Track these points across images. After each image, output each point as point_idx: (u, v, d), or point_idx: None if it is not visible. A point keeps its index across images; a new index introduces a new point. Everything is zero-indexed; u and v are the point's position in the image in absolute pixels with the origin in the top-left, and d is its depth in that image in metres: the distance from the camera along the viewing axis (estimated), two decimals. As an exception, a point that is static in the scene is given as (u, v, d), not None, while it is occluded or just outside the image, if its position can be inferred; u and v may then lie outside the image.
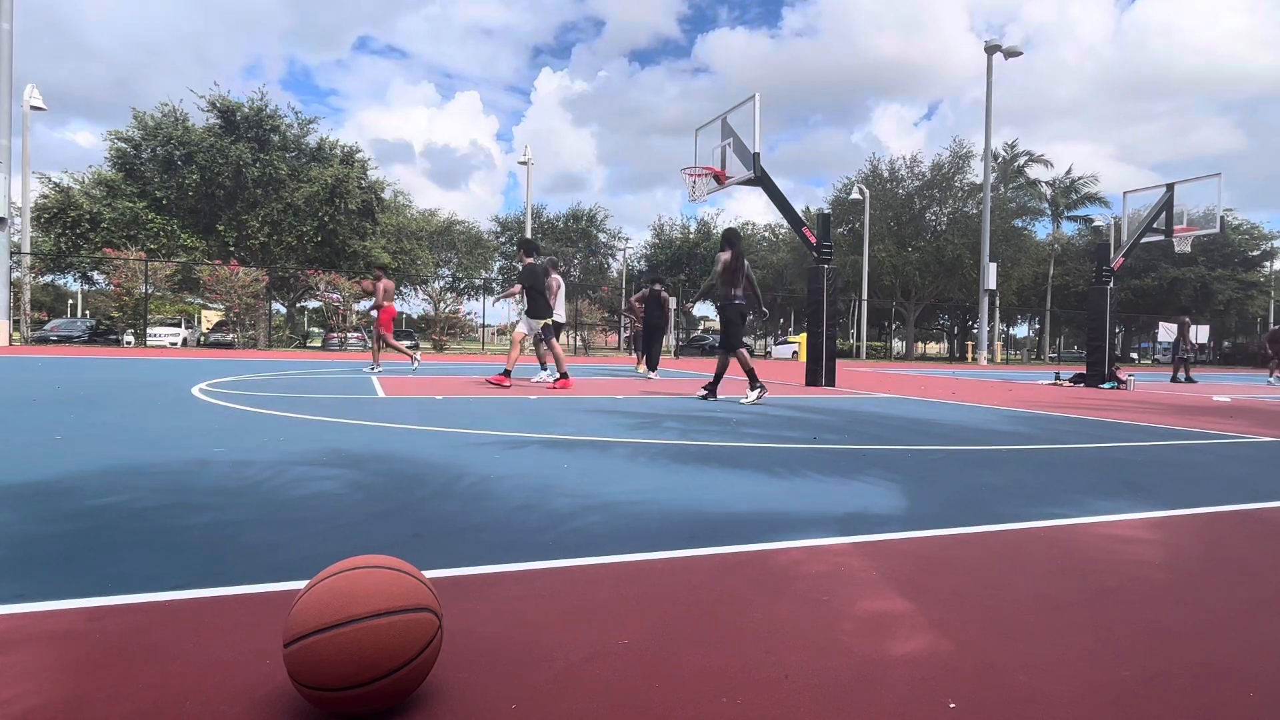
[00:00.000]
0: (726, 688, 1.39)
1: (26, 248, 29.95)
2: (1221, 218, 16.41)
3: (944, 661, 1.53)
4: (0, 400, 6.13)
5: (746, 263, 8.23)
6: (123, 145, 31.17)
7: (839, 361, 26.36)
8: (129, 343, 27.91)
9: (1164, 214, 15.30)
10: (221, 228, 31.39)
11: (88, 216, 29.41)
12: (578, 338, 39.71)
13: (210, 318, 34.21)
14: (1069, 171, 47.91)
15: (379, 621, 1.22)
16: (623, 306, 28.85)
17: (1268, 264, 51.20)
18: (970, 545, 2.44)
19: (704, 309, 59.75)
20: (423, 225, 42.75)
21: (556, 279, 10.58)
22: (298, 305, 37.25)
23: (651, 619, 1.72)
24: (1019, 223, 42.54)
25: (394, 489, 3.07)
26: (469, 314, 37.04)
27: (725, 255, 8.11)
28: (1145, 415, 7.57)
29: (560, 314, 10.64)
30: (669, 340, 17.27)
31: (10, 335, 22.89)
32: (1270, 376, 18.06)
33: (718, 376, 8.27)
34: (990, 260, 31.48)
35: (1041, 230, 48.16)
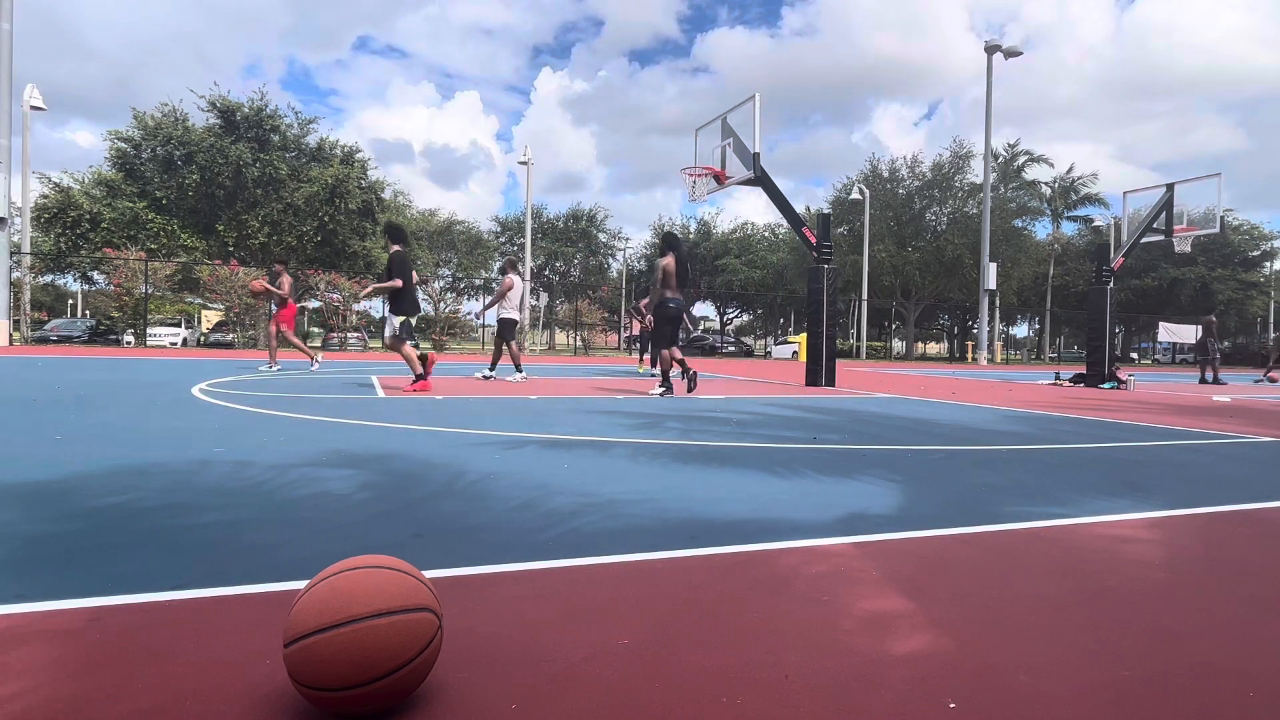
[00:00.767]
0: (726, 688, 1.39)
1: (26, 248, 29.93)
2: (1221, 218, 16.41)
3: (944, 661, 1.53)
4: (0, 400, 6.13)
5: (688, 264, 8.74)
6: (123, 145, 31.20)
7: (839, 361, 26.37)
8: (129, 343, 27.91)
9: (1164, 214, 15.30)
10: (221, 228, 31.39)
11: (88, 216, 29.42)
12: (578, 337, 39.73)
13: (210, 318, 34.20)
14: (1069, 171, 47.94)
15: (379, 621, 1.22)
16: (629, 307, 28.83)
17: (1268, 264, 51.22)
18: (970, 545, 2.44)
19: (704, 309, 59.80)
20: (423, 225, 42.80)
21: (513, 279, 10.48)
22: (298, 305, 37.24)
23: (651, 619, 1.72)
24: (1019, 223, 42.55)
25: (394, 489, 3.07)
26: (469, 314, 37.09)
27: (668, 260, 8.47)
28: (1145, 415, 7.57)
29: (518, 314, 10.54)
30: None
31: (10, 335, 22.89)
32: (1262, 377, 18.01)
33: (664, 373, 8.63)
34: (990, 260, 31.49)
35: (1041, 230, 48.22)
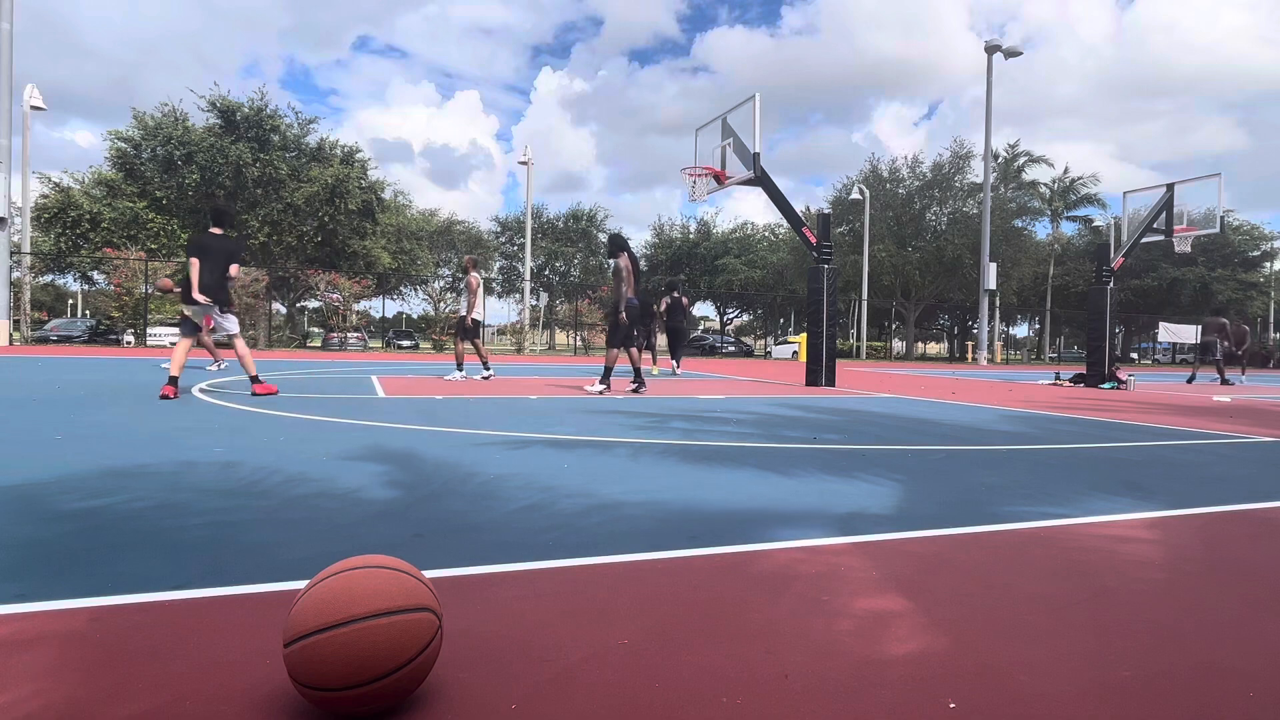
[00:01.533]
0: (726, 688, 1.39)
1: (26, 248, 29.95)
2: (1221, 218, 16.38)
3: (944, 661, 1.53)
4: (0, 400, 6.13)
5: (638, 262, 9.07)
6: (123, 145, 31.19)
7: (839, 361, 26.36)
8: (129, 342, 27.91)
9: (1164, 214, 15.29)
10: (221, 228, 31.34)
11: (88, 216, 29.42)
12: (578, 337, 39.72)
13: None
14: (1067, 171, 47.93)
15: (379, 621, 1.22)
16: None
17: (1268, 264, 51.18)
18: (970, 545, 2.44)
19: (704, 309, 59.78)
20: (423, 225, 42.79)
21: (475, 278, 10.46)
22: (298, 305, 37.27)
23: (651, 619, 1.72)
24: (1019, 223, 42.53)
25: (394, 489, 3.07)
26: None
27: (623, 261, 8.68)
28: (1145, 415, 7.57)
29: (479, 313, 10.54)
30: (663, 340, 17.33)
31: (10, 335, 22.89)
32: (1242, 375, 17.99)
33: (607, 370, 8.87)
34: (990, 260, 31.47)
35: (1041, 230, 48.21)
